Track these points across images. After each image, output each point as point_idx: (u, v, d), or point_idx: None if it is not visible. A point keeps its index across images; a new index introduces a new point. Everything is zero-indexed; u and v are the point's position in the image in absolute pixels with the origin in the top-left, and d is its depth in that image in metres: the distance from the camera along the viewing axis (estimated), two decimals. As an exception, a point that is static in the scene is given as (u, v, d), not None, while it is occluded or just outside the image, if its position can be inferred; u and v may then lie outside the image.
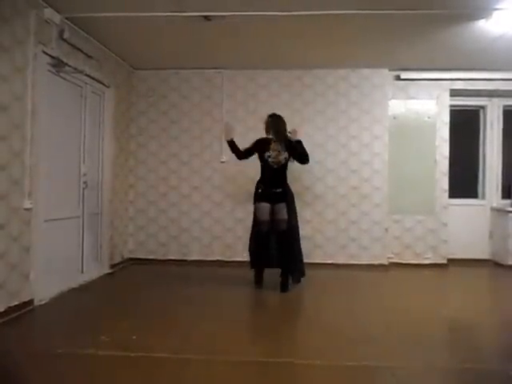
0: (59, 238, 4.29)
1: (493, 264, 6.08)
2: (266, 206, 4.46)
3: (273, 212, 4.47)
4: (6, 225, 3.45)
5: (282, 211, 4.43)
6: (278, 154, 4.45)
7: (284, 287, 4.39)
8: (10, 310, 3.46)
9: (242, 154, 4.55)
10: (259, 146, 4.52)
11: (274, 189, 4.48)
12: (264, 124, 4.60)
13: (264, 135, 4.60)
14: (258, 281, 4.57)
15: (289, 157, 4.50)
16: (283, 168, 4.51)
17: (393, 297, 4.41)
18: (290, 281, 4.47)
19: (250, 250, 4.63)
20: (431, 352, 2.93)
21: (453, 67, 5.69)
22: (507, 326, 3.53)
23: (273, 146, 4.46)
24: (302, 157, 4.49)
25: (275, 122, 4.51)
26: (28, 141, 3.69)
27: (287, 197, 4.51)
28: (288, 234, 4.44)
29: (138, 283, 4.87)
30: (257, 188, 4.57)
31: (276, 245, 4.51)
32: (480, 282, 5.36)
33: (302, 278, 4.56)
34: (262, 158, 4.51)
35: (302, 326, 3.57)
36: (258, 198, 4.53)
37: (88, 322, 3.48)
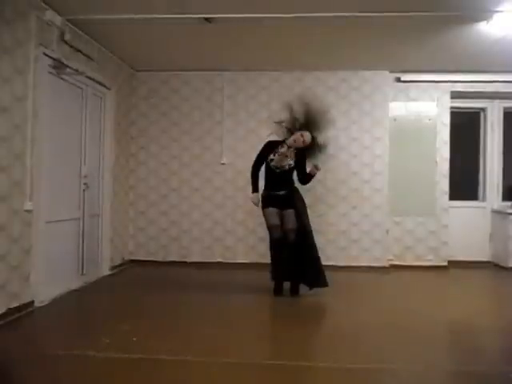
0: (60, 240, 4.29)
1: (493, 266, 6.08)
2: (273, 211, 4.30)
3: (282, 219, 4.31)
4: (7, 226, 3.45)
5: (290, 219, 4.26)
6: (283, 158, 4.30)
7: (294, 290, 4.29)
8: (10, 312, 3.46)
9: (255, 179, 4.40)
10: (267, 151, 4.38)
11: (277, 191, 4.32)
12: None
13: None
14: (277, 290, 4.31)
15: (294, 166, 4.34)
16: (287, 173, 4.35)
17: (393, 299, 4.41)
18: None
19: (271, 260, 4.42)
20: (432, 354, 2.92)
21: (453, 69, 5.70)
22: (508, 329, 3.52)
23: (281, 149, 4.33)
24: (306, 180, 4.43)
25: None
26: (29, 142, 3.69)
27: (294, 200, 4.31)
28: (302, 241, 4.25)
29: (139, 285, 4.87)
30: (262, 194, 4.41)
31: (290, 255, 4.29)
32: (480, 284, 5.35)
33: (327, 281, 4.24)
34: (265, 161, 4.38)
35: (302, 328, 3.55)
36: (264, 203, 4.37)
37: (88, 324, 3.48)
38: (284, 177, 4.35)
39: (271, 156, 4.34)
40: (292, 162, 4.33)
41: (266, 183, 4.42)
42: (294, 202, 4.31)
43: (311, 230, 4.35)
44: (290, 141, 4.35)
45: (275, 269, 4.35)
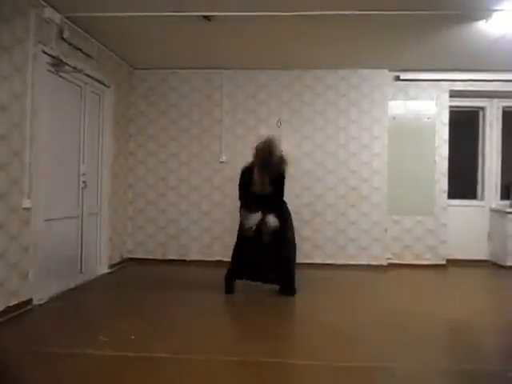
0: (58, 238, 4.29)
1: (491, 265, 6.09)
2: (254, 214, 4.21)
3: (264, 222, 4.19)
4: (6, 224, 3.45)
5: (272, 219, 4.17)
6: (262, 185, 4.18)
7: (290, 291, 4.27)
8: (8, 310, 3.46)
9: (242, 193, 4.35)
10: (245, 178, 4.29)
11: (261, 205, 4.20)
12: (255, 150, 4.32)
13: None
14: (229, 289, 4.31)
15: (275, 187, 4.22)
16: (269, 195, 4.20)
17: (392, 297, 4.41)
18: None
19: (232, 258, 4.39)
20: (430, 353, 2.93)
21: (452, 68, 5.70)
22: (506, 327, 3.53)
23: (256, 174, 4.19)
24: (277, 198, 4.28)
25: (263, 150, 4.22)
26: (27, 140, 3.69)
27: (273, 208, 4.22)
28: (282, 247, 4.22)
29: (137, 283, 4.86)
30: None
31: (265, 256, 4.24)
32: (479, 283, 5.36)
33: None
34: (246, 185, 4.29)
35: (301, 326, 3.56)
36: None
37: (87, 322, 3.48)
38: (265, 199, 4.22)
39: (252, 182, 4.23)
40: (271, 189, 4.19)
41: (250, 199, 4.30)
42: (276, 209, 4.24)
43: (293, 240, 4.34)
44: (257, 159, 4.22)
45: (233, 269, 4.31)
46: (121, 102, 5.64)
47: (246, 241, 4.25)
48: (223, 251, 5.88)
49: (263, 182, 4.21)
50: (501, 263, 5.95)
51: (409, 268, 5.77)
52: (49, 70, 4.04)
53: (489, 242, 6.27)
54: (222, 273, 5.26)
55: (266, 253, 4.23)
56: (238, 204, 4.34)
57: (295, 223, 4.55)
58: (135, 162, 6.03)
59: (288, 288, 4.27)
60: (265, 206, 4.21)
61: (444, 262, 5.91)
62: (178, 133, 5.99)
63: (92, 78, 4.82)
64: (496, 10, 3.91)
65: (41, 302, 3.87)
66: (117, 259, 5.57)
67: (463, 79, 5.84)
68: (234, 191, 5.81)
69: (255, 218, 4.23)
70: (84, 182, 4.75)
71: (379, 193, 5.84)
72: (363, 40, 4.73)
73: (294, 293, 4.26)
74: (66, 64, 4.17)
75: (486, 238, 6.29)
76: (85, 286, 4.59)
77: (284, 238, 4.24)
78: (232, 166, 5.88)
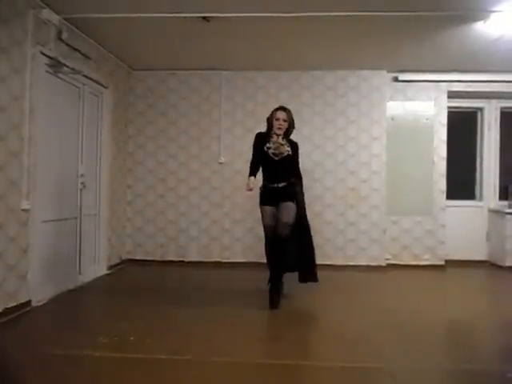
0: (57, 239, 4.28)
1: (490, 265, 6.10)
2: (268, 209, 4.07)
3: (276, 213, 4.04)
4: (4, 225, 3.44)
5: (285, 213, 3.96)
6: (279, 145, 4.07)
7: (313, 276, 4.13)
8: (7, 311, 3.45)
9: (253, 167, 4.14)
10: (260, 141, 4.15)
11: (276, 184, 4.06)
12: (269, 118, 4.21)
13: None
14: (272, 302, 3.94)
15: (292, 153, 4.11)
16: (287, 161, 4.07)
17: (391, 298, 4.41)
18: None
19: (267, 261, 4.21)
20: (430, 353, 2.93)
21: (451, 69, 5.71)
22: (505, 327, 3.54)
23: (274, 138, 4.11)
24: (296, 167, 4.20)
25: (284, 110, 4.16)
26: (26, 141, 3.68)
27: (294, 192, 4.07)
28: (301, 234, 4.11)
29: (136, 284, 4.86)
30: (260, 188, 4.18)
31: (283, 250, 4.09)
32: (477, 284, 5.37)
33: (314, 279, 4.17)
34: (262, 152, 4.10)
35: (301, 327, 3.56)
36: (261, 199, 4.15)
37: (85, 324, 3.47)
38: (284, 166, 4.08)
39: (267, 144, 4.10)
40: (289, 149, 4.10)
41: (265, 175, 4.16)
42: (294, 195, 4.09)
43: (309, 225, 4.25)
44: (275, 129, 4.11)
45: (272, 275, 4.10)
46: (119, 103, 5.64)
47: (268, 237, 4.15)
48: (221, 252, 5.88)
49: (281, 143, 4.10)
50: (499, 264, 5.96)
51: (407, 269, 5.77)
52: (47, 71, 4.03)
53: (487, 242, 6.27)
54: (220, 274, 5.28)
55: (284, 243, 4.06)
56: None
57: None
58: (134, 163, 6.03)
59: (311, 274, 4.14)
60: (280, 177, 4.08)
61: (443, 263, 5.91)
62: (177, 134, 5.99)
63: (90, 79, 4.81)
64: (494, 11, 3.91)
65: (39, 304, 3.86)
66: (116, 260, 5.57)
67: (461, 80, 5.85)
68: (233, 192, 5.87)
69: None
70: (82, 183, 4.74)
71: (378, 193, 5.85)
72: (362, 41, 4.74)
73: (316, 279, 4.13)
74: (65, 65, 4.17)
75: (484, 238, 6.29)
76: (83, 288, 4.58)
77: (302, 224, 4.14)
78: (231, 166, 5.89)
